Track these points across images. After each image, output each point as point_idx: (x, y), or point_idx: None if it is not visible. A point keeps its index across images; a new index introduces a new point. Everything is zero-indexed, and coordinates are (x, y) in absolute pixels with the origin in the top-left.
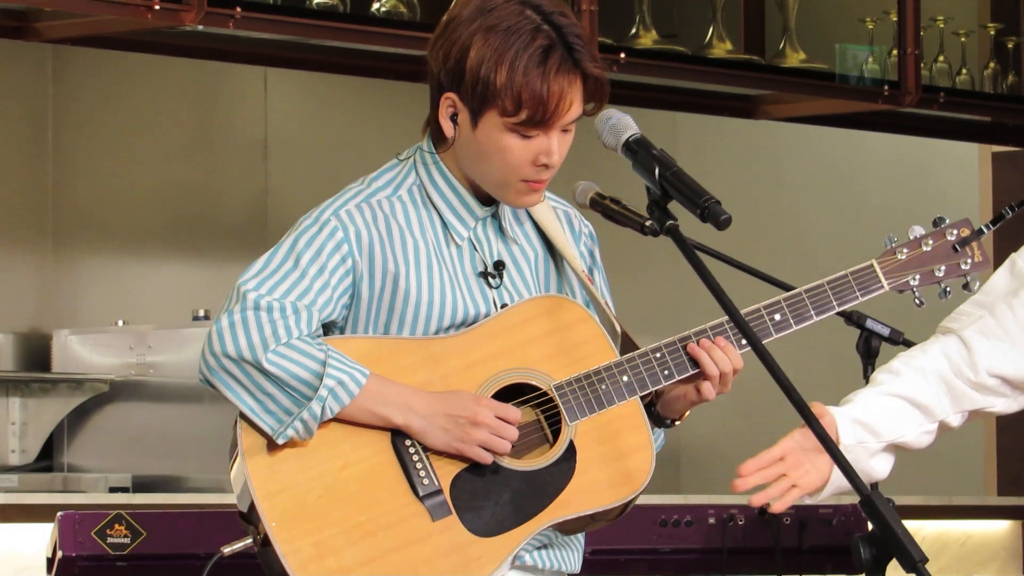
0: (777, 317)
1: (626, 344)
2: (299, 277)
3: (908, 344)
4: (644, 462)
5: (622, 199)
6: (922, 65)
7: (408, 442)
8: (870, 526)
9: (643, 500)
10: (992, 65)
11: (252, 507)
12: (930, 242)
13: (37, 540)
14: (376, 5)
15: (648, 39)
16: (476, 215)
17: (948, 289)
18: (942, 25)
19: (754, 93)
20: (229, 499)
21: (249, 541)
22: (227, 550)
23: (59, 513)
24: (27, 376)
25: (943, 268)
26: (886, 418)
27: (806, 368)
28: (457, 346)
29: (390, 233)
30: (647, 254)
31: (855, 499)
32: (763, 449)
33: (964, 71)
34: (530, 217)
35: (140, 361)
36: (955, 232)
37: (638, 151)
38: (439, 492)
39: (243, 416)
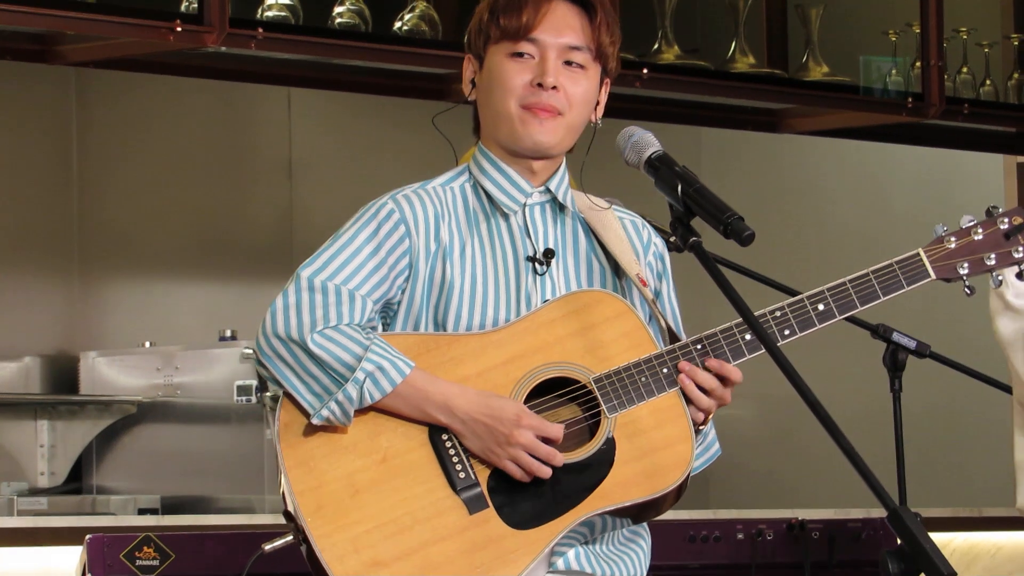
0: (821, 307)
1: (673, 342)
2: (352, 255)
3: (935, 357)
4: (684, 453)
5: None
6: (946, 76)
7: (445, 436)
8: (899, 540)
9: (671, 516)
10: (1016, 75)
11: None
12: (980, 231)
13: (66, 563)
14: (398, 24)
15: (671, 54)
16: (525, 190)
17: (973, 287)
18: (965, 36)
19: (777, 107)
20: (258, 520)
21: (290, 538)
22: (268, 547)
23: (88, 536)
24: (55, 399)
25: (993, 256)
26: None
27: (832, 382)
28: (497, 341)
29: (443, 218)
30: (674, 269)
31: (884, 513)
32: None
33: (988, 82)
34: (582, 222)
35: (168, 382)
36: (1007, 221)
37: (660, 168)
38: (476, 485)
39: (288, 396)
